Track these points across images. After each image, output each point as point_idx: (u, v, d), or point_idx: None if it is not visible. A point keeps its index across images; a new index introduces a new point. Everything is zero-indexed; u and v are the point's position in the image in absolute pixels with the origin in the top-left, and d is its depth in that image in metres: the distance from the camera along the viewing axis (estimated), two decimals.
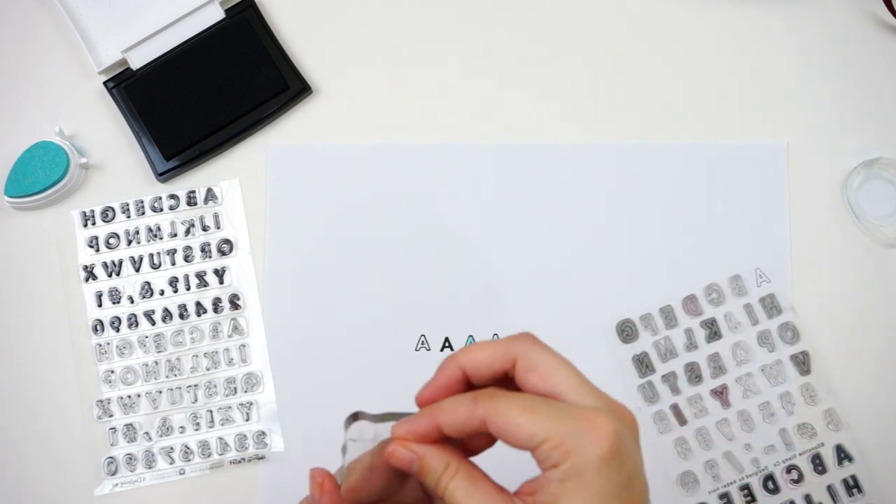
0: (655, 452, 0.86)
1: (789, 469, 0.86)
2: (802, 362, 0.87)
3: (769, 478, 0.86)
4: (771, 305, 0.88)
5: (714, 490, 0.86)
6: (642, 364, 0.88)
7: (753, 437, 0.86)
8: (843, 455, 0.85)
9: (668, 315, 0.88)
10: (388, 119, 0.93)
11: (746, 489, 0.85)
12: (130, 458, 0.87)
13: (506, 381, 0.61)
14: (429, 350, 0.88)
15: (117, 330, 0.90)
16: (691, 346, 0.88)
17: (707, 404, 0.87)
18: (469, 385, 0.62)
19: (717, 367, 0.87)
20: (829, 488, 0.85)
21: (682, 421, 0.87)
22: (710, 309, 0.88)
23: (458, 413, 0.59)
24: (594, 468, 0.55)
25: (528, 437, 0.57)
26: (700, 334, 0.88)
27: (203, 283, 0.90)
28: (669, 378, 0.88)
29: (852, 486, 0.85)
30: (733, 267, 0.89)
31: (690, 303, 0.88)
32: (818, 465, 0.85)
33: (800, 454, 0.86)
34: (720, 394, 0.87)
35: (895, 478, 0.85)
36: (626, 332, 0.88)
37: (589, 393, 0.59)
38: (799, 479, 0.85)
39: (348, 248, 0.90)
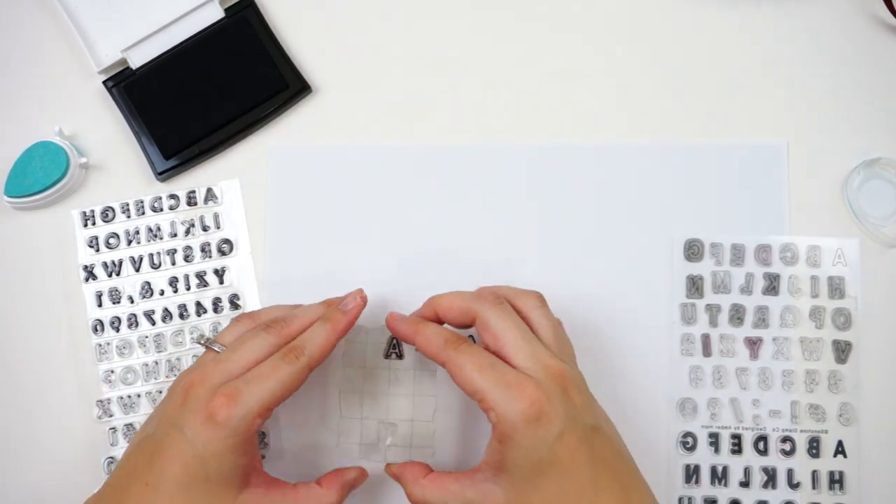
0: (670, 370, 0.88)
1: (785, 439, 0.86)
2: (843, 350, 0.87)
3: (762, 438, 0.86)
4: (836, 287, 0.88)
5: (707, 427, 0.87)
6: (694, 285, 0.88)
7: (765, 396, 0.87)
8: (840, 449, 0.86)
9: (737, 253, 0.89)
10: (388, 119, 0.93)
11: (737, 439, 0.86)
12: None
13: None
14: None
15: (117, 330, 0.90)
16: (746, 290, 0.88)
17: (737, 348, 0.88)
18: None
19: (761, 320, 0.88)
20: (814, 473, 0.85)
21: (708, 353, 0.88)
22: (779, 265, 0.88)
23: (431, 346, 0.76)
24: (521, 430, 0.70)
25: (472, 392, 0.72)
26: (759, 284, 0.88)
27: (203, 283, 0.90)
28: (713, 309, 0.88)
29: (837, 480, 0.85)
30: None
31: (763, 251, 0.89)
32: (813, 448, 0.86)
33: (801, 431, 0.86)
34: (754, 344, 0.87)
35: (879, 490, 0.86)
36: (693, 250, 0.89)
37: (529, 356, 0.73)
38: (790, 452, 0.86)
39: (348, 247, 0.90)
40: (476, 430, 0.84)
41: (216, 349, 0.78)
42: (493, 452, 0.74)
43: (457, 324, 0.79)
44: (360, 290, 0.83)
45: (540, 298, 0.80)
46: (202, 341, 0.80)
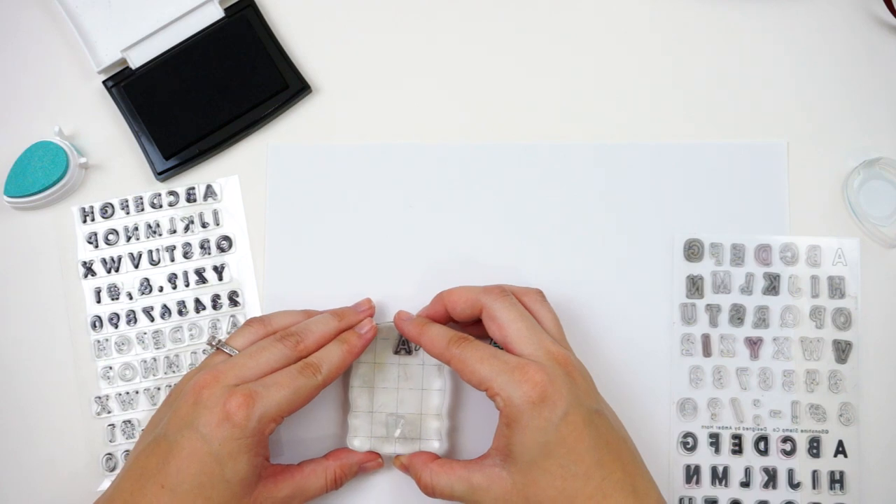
0: (670, 370, 0.88)
1: (785, 439, 0.86)
2: (843, 350, 0.87)
3: (763, 438, 0.86)
4: (836, 286, 0.88)
5: (707, 427, 0.87)
6: (694, 285, 0.88)
7: (765, 397, 0.87)
8: (840, 449, 0.85)
9: (737, 253, 0.89)
10: (388, 119, 0.93)
11: (737, 439, 0.86)
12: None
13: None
14: None
15: (116, 326, 0.89)
16: (746, 290, 0.88)
17: (737, 348, 0.88)
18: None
19: (762, 320, 0.88)
20: (815, 473, 0.85)
21: (708, 353, 0.88)
22: (779, 264, 0.88)
23: (435, 346, 0.79)
24: (527, 412, 0.72)
25: (478, 382, 0.75)
26: (759, 283, 0.88)
27: (202, 279, 0.90)
28: (713, 309, 0.88)
29: (837, 480, 0.85)
30: None
31: (763, 251, 0.89)
32: (814, 448, 0.86)
33: (801, 431, 0.86)
34: (754, 344, 0.87)
35: (879, 489, 0.86)
36: (693, 250, 0.89)
37: (532, 343, 0.76)
38: (790, 452, 0.86)
39: (348, 246, 0.90)
40: (484, 424, 0.84)
41: (227, 351, 0.80)
42: (500, 437, 0.75)
43: (465, 316, 0.81)
44: (370, 304, 0.87)
45: (541, 294, 0.83)
46: (213, 343, 0.80)
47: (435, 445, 0.83)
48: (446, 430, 0.84)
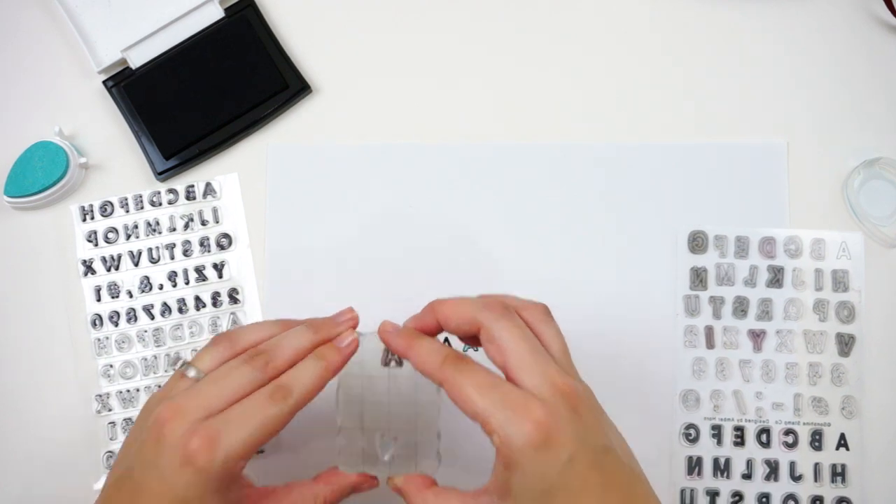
0: (673, 362, 0.88)
1: (787, 432, 0.86)
2: (846, 343, 0.87)
3: (765, 431, 0.86)
4: (840, 280, 0.88)
5: (710, 418, 0.87)
6: (698, 277, 0.89)
7: (768, 389, 0.87)
8: (843, 442, 0.85)
9: (741, 245, 0.89)
10: (388, 119, 0.93)
11: (739, 431, 0.86)
12: None
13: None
14: None
15: (116, 324, 0.90)
16: (750, 282, 0.88)
17: (740, 340, 0.88)
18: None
19: (765, 312, 0.88)
20: (816, 466, 0.85)
21: (711, 344, 0.88)
22: (783, 257, 0.89)
23: (427, 364, 0.69)
24: (528, 456, 0.63)
25: (472, 414, 0.65)
26: (763, 276, 0.88)
27: (202, 277, 0.90)
28: (716, 301, 0.88)
29: (839, 473, 0.85)
30: None
31: (767, 244, 0.89)
32: (816, 440, 0.86)
33: (804, 423, 0.86)
34: (757, 336, 0.88)
35: (881, 483, 0.86)
36: (697, 242, 0.89)
37: (537, 374, 0.66)
38: (793, 445, 0.86)
39: (348, 244, 0.90)
40: (483, 438, 0.81)
41: (192, 375, 0.71)
42: (498, 478, 0.67)
43: (460, 332, 0.72)
44: (353, 314, 0.77)
45: (546, 310, 0.73)
46: (177, 365, 0.78)
47: (432, 464, 0.76)
48: (441, 447, 0.77)
